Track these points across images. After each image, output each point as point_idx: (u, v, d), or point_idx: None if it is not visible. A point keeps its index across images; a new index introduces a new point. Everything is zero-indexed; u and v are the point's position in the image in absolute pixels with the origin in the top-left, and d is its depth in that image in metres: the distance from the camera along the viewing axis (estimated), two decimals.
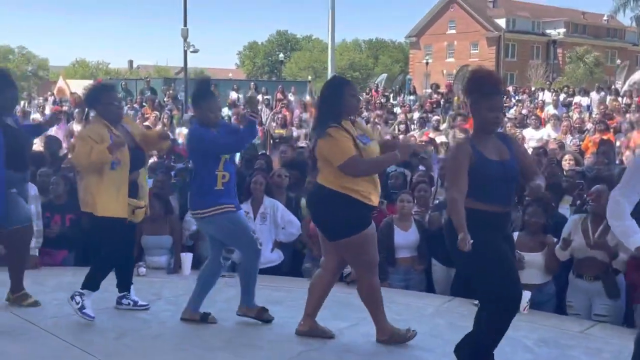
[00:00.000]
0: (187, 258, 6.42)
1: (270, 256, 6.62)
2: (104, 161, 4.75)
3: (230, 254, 6.20)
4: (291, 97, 21.32)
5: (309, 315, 4.59)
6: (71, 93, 23.13)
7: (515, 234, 5.36)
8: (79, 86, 31.45)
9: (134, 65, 62.08)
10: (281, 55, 55.59)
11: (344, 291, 5.61)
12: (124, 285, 5.25)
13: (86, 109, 4.97)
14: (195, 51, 24.92)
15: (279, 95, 21.15)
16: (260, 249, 4.81)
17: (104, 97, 4.95)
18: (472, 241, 3.42)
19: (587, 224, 5.44)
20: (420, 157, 8.47)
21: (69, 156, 5.71)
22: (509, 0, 62.85)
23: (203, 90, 4.86)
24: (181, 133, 14.69)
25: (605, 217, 5.35)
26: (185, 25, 24.02)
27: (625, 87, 21.97)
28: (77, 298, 4.82)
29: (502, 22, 58.98)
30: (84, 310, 4.81)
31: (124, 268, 5.23)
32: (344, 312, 5.20)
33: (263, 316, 4.91)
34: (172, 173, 7.80)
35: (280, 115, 16.20)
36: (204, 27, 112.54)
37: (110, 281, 5.32)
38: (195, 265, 6.57)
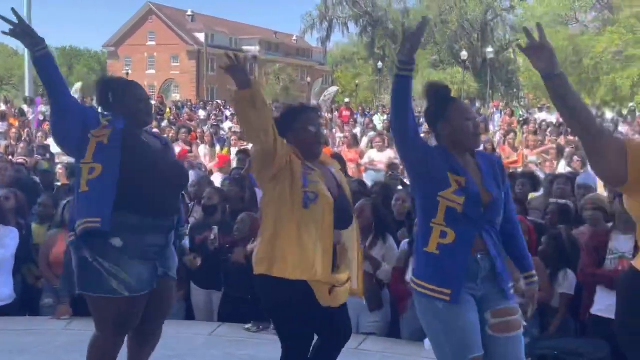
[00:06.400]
0: None
1: None
2: None
3: None
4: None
5: None
6: None
7: None
8: None
9: None
10: None
11: None
12: None
13: None
14: None
15: None
16: None
17: (299, 120, 3.37)
18: None
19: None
20: None
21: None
22: (207, 15, 64.25)
23: None
24: None
25: (373, 229, 5.40)
26: None
27: (320, 101, 23.36)
28: None
29: (201, 37, 59.89)
30: None
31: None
32: None
33: None
34: None
35: None
36: None
37: None
38: None
